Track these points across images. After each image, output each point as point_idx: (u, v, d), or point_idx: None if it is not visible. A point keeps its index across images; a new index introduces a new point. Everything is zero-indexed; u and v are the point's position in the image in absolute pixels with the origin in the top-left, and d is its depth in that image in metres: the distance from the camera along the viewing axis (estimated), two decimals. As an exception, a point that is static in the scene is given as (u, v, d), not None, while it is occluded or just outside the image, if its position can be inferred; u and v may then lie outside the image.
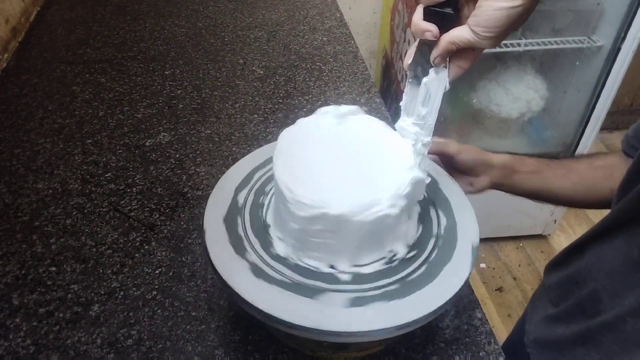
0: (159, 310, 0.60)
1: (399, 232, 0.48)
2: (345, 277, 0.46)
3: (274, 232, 0.50)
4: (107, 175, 0.78)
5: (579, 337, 0.55)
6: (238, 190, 0.54)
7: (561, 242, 1.96)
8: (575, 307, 0.57)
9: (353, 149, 0.49)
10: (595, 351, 0.53)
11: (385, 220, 0.44)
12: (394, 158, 0.47)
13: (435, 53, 0.42)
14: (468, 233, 0.50)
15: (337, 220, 0.43)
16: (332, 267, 0.46)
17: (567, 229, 2.01)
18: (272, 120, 0.90)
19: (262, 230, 0.50)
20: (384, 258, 0.47)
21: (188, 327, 0.58)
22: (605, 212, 0.55)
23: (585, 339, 0.54)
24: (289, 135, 0.50)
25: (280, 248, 0.48)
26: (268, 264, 0.46)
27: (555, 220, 1.87)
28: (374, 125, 0.51)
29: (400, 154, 0.47)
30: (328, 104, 0.94)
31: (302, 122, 0.51)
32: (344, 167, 0.47)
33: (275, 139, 0.50)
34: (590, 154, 0.68)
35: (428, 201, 0.54)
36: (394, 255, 0.48)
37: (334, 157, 0.48)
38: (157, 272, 0.64)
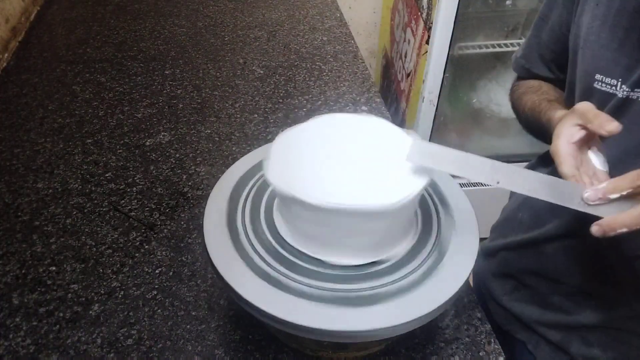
0: (159, 310, 0.60)
1: (400, 230, 0.48)
2: (344, 276, 0.46)
3: (274, 231, 0.50)
4: (107, 174, 0.78)
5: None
6: (238, 189, 0.54)
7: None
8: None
9: (355, 149, 0.49)
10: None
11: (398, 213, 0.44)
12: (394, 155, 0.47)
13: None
14: (468, 233, 0.50)
15: (352, 215, 0.43)
16: (331, 264, 0.46)
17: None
18: (272, 120, 0.90)
19: (262, 230, 0.50)
20: (384, 258, 0.47)
21: (188, 326, 0.58)
22: None
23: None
24: (286, 137, 0.50)
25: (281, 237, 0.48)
26: (268, 264, 0.46)
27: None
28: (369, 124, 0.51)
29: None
30: (328, 104, 0.95)
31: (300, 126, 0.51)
32: (350, 167, 0.47)
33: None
34: (524, 87, 0.69)
35: (428, 201, 0.54)
36: (394, 255, 0.48)
37: (338, 157, 0.48)
38: (157, 271, 0.64)
